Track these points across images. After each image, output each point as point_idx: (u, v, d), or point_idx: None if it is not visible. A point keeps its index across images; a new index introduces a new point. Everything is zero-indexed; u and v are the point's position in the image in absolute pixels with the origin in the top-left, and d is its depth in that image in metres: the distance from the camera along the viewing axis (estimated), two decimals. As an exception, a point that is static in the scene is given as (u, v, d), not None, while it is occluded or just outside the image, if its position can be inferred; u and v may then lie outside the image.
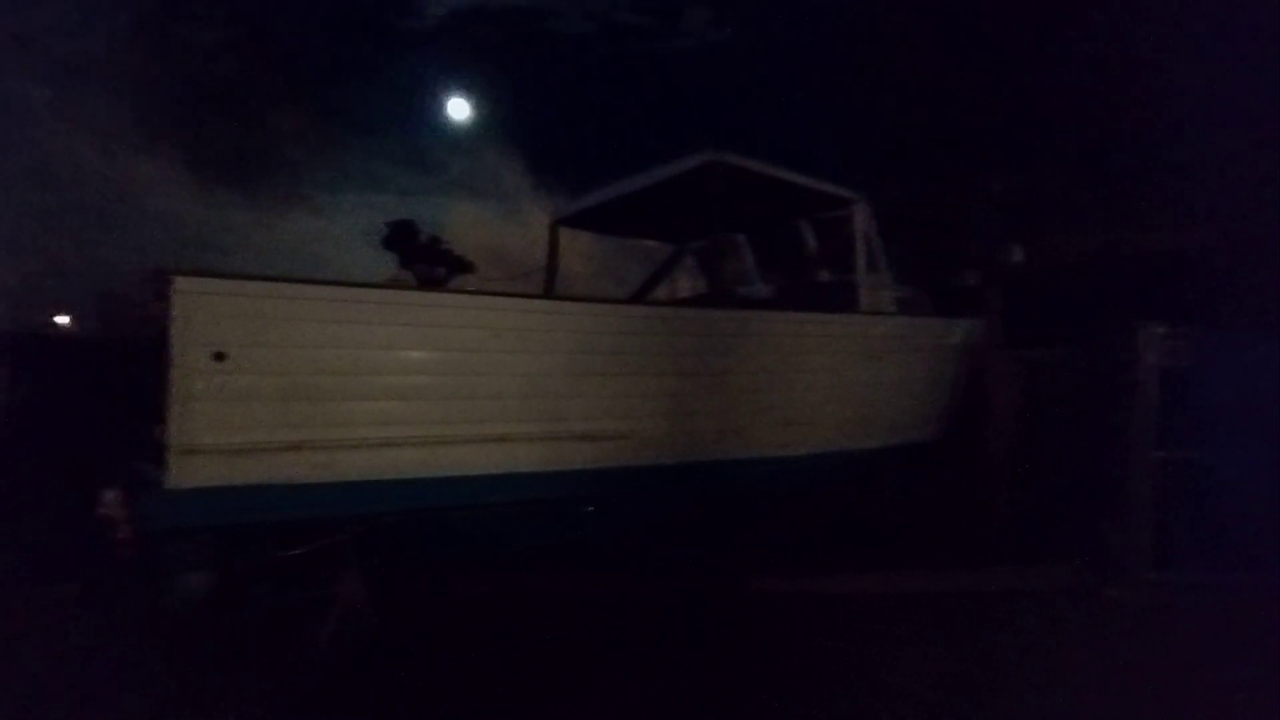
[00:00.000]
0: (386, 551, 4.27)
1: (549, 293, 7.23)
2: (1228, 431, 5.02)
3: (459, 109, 19.62)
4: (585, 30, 22.18)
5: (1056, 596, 4.92)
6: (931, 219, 11.04)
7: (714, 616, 4.70)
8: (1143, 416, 5.12)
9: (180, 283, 3.57)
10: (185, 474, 3.58)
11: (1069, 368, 6.28)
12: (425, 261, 6.00)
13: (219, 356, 3.62)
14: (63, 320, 15.23)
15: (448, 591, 5.03)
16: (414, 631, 4.33)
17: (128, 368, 4.63)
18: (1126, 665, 3.99)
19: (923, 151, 14.04)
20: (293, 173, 19.81)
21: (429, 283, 5.81)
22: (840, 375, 6.08)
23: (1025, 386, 6.45)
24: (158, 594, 4.18)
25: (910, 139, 14.41)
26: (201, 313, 3.60)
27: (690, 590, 5.05)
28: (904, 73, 14.92)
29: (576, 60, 22.01)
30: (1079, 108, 11.76)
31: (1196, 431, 5.10)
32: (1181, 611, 4.68)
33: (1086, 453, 5.68)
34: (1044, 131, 12.18)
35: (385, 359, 4.00)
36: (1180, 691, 3.66)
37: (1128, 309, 5.30)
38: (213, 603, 4.15)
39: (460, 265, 6.25)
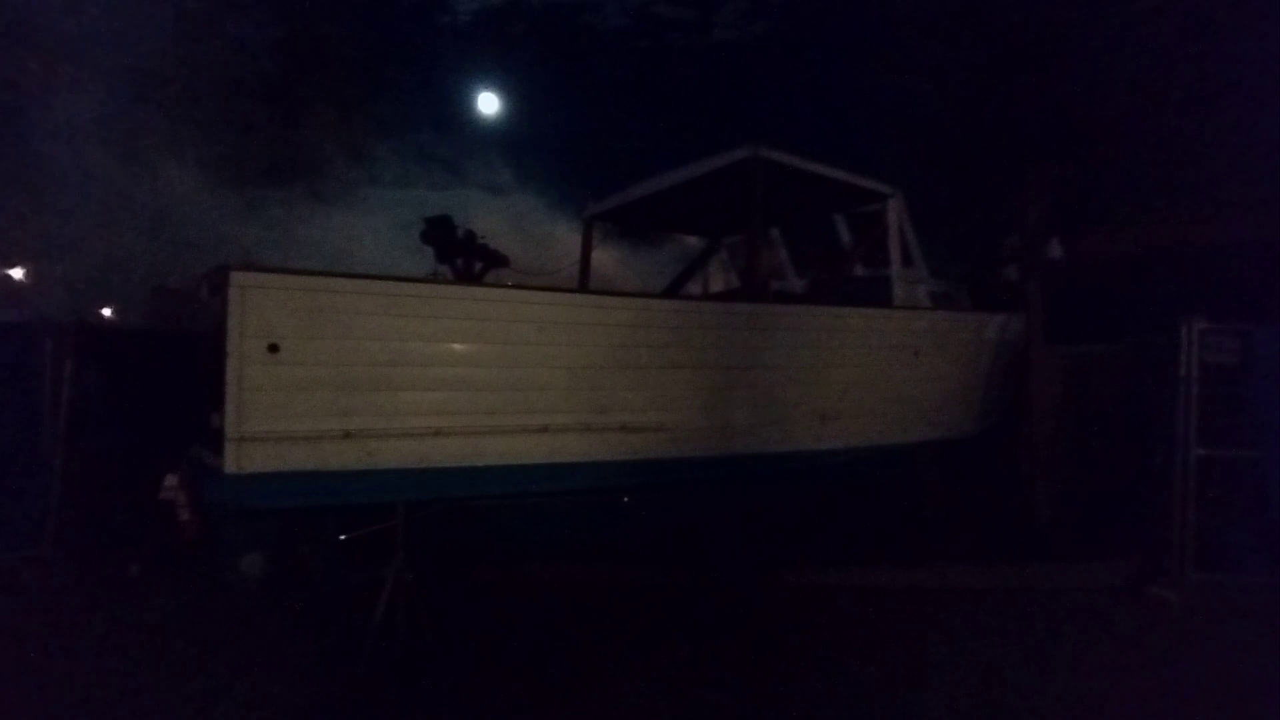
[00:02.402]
0: (433, 538, 4.39)
1: (583, 287, 7.31)
2: (1275, 428, 4.91)
3: (492, 105, 19.78)
4: (621, 25, 22.13)
5: (1100, 594, 4.86)
6: (971, 213, 10.90)
7: (749, 608, 4.74)
8: (1187, 413, 5.04)
9: (237, 277, 3.71)
10: (241, 460, 3.72)
11: (1113, 364, 6.19)
12: (462, 256, 6.11)
13: (273, 348, 3.76)
14: (107, 312, 15.74)
15: (478, 578, 5.13)
16: (451, 617, 4.43)
17: (184, 358, 4.82)
18: (1169, 665, 3.94)
19: (963, 144, 13.82)
20: (327, 171, 20.17)
21: (466, 277, 5.93)
22: (875, 369, 6.06)
23: (1068, 383, 6.36)
24: (218, 575, 4.36)
25: (950, 131, 14.19)
26: (257, 306, 3.74)
27: (725, 582, 5.09)
28: (945, 63, 14.67)
29: (612, 55, 22.00)
30: (1127, 98, 11.48)
31: (1244, 429, 5.00)
32: (1226, 612, 4.60)
33: (1131, 450, 5.60)
34: (1089, 123, 11.91)
35: (432, 351, 4.12)
36: (1222, 691, 3.61)
37: (1175, 304, 5.21)
38: (269, 584, 4.32)
39: (496, 260, 6.35)
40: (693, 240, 8.94)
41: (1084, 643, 4.19)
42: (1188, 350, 5.08)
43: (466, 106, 20.63)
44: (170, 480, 4.12)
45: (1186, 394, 5.05)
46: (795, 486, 5.98)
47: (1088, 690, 3.62)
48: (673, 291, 7.68)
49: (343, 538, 4.31)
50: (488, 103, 19.98)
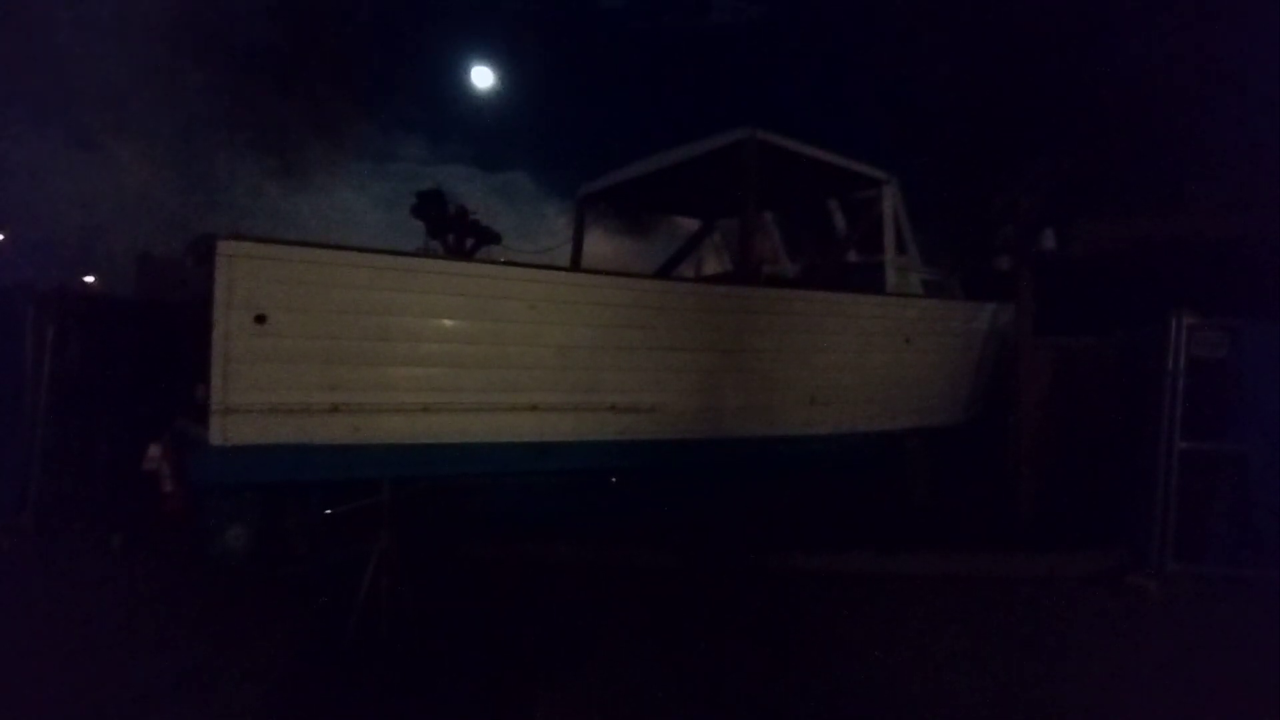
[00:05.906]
0: (420, 514, 4.37)
1: (576, 266, 7.27)
2: (1260, 424, 4.96)
3: (487, 80, 19.51)
4: (618, 4, 21.88)
5: (1080, 584, 4.92)
6: (966, 202, 10.89)
7: (738, 592, 4.77)
8: (1171, 406, 5.07)
9: (224, 246, 3.64)
10: (226, 432, 3.67)
11: (1101, 356, 6.22)
12: (453, 231, 6.05)
13: (260, 319, 3.70)
14: (90, 280, 15.50)
15: (469, 556, 5.12)
16: (439, 594, 4.43)
17: (170, 328, 4.74)
18: (1146, 654, 4.00)
19: (959, 133, 13.80)
20: (319, 144, 19.90)
21: (457, 252, 5.87)
22: (866, 356, 6.07)
23: (1057, 374, 6.39)
24: (202, 548, 4.33)
25: (947, 119, 14.15)
26: (244, 276, 3.66)
27: (712, 565, 5.11)
28: (943, 51, 14.60)
29: (609, 34, 21.76)
30: (1123, 91, 11.47)
31: (1228, 423, 5.05)
32: (1203, 603, 4.67)
33: (1116, 441, 5.64)
34: (1086, 115, 11.91)
35: (422, 326, 4.07)
36: (1196, 681, 3.66)
37: (1165, 298, 5.23)
38: (255, 558, 4.30)
39: (487, 236, 6.29)
40: (688, 222, 8.89)
41: (1061, 631, 4.23)
42: (1175, 344, 5.10)
43: (461, 83, 20.37)
44: (154, 451, 4.09)
45: (1172, 388, 5.08)
46: (784, 470, 6.00)
47: (1062, 677, 3.66)
48: (665, 273, 7.65)
49: (328, 513, 4.29)
50: (482, 78, 19.70)
